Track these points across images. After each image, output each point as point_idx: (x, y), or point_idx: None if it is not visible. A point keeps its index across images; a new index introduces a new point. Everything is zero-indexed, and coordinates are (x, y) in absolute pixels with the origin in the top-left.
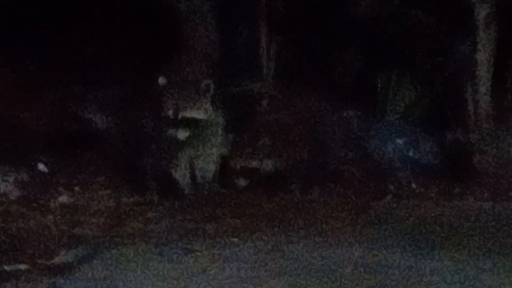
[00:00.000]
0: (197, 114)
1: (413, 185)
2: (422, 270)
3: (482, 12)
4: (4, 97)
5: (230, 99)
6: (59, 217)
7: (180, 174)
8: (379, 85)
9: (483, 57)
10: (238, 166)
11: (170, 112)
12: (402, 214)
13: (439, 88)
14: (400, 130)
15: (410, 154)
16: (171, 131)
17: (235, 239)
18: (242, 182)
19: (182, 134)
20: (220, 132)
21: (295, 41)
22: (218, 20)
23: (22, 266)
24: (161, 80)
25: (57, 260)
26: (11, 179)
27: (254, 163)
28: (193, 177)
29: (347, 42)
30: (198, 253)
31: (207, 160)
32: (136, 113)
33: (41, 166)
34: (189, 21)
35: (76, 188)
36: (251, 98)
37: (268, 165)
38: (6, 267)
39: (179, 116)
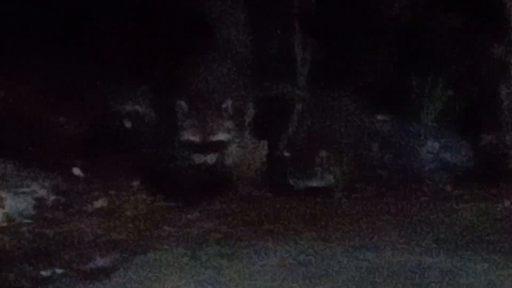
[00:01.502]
0: (222, 135)
1: (448, 188)
2: (458, 273)
3: None
4: (38, 102)
5: (263, 103)
6: (95, 221)
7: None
8: (414, 88)
9: None
10: (301, 187)
11: (197, 138)
12: (437, 217)
13: (473, 91)
14: (435, 133)
15: (445, 157)
16: (199, 157)
17: (271, 244)
18: (305, 198)
19: (212, 159)
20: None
21: (329, 44)
22: (251, 23)
23: (58, 271)
24: (180, 104)
25: (93, 264)
26: (47, 184)
27: (316, 183)
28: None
29: (381, 45)
30: (233, 257)
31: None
32: (170, 116)
33: (77, 171)
34: (221, 23)
35: (112, 192)
36: (286, 102)
37: (329, 180)
38: (42, 272)
39: (208, 141)
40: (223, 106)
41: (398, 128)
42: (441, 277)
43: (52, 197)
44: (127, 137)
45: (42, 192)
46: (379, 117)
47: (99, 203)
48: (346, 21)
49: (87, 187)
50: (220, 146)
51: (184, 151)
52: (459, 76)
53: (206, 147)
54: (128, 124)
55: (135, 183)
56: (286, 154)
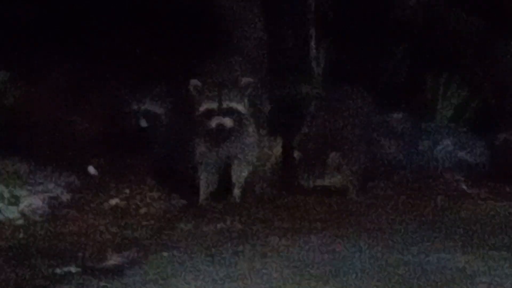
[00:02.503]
0: (238, 106)
1: (464, 186)
2: (474, 271)
3: None
4: (54, 102)
5: (278, 101)
6: (110, 220)
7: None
8: (428, 87)
9: None
10: (311, 186)
11: (215, 104)
12: (452, 215)
13: (488, 89)
14: (450, 131)
15: (460, 155)
16: (217, 119)
17: (285, 241)
18: (318, 197)
19: (229, 122)
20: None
21: (344, 43)
22: (267, 22)
23: (73, 269)
24: (194, 82)
25: (108, 263)
26: (62, 183)
27: (326, 181)
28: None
29: (396, 44)
30: (248, 255)
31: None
32: (184, 115)
33: (92, 169)
34: (237, 23)
35: (127, 191)
36: (300, 100)
37: (338, 180)
38: (57, 270)
39: (224, 105)
40: (243, 82)
41: (413, 127)
42: (456, 276)
43: (67, 196)
44: (142, 136)
45: (57, 191)
46: (394, 115)
47: (114, 202)
48: (361, 20)
49: (102, 186)
50: (236, 113)
51: (202, 119)
52: (473, 74)
53: (222, 110)
54: (143, 123)
55: (150, 182)
56: (297, 153)
